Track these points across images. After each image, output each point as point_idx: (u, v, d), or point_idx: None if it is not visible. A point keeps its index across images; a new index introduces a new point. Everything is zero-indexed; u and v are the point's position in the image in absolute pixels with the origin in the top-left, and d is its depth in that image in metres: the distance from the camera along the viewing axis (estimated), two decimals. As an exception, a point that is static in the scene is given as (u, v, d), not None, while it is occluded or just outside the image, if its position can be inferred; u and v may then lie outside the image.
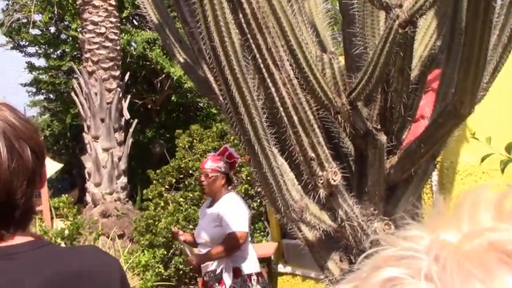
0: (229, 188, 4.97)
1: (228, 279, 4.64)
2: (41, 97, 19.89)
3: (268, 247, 6.45)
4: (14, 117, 1.33)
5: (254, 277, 4.73)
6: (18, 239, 1.34)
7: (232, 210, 4.72)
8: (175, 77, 14.83)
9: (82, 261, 1.38)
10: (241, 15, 2.35)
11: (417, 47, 2.79)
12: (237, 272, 4.68)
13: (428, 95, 3.20)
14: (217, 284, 4.68)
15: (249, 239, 4.96)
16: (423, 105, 3.03)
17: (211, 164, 4.87)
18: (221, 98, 2.55)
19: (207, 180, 4.86)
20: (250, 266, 4.77)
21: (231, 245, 4.62)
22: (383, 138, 2.69)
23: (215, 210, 4.75)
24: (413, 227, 0.59)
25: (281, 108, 2.50)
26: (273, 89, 2.48)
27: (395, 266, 0.54)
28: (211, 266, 4.72)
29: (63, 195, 7.78)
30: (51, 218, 7.87)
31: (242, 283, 4.67)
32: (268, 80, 2.47)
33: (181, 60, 3.35)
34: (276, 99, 2.50)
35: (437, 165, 3.69)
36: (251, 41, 2.41)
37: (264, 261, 6.37)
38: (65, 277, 1.31)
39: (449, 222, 0.56)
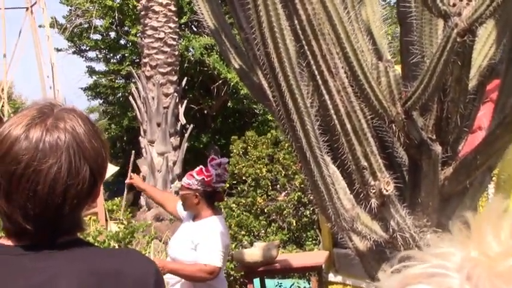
0: (212, 208, 4.50)
1: None
2: (100, 101, 20.28)
3: (319, 256, 6.40)
4: (84, 131, 1.32)
5: None
6: (60, 239, 1.36)
7: (210, 240, 4.30)
8: (232, 83, 14.93)
9: (118, 262, 1.39)
10: (296, 22, 2.34)
11: (476, 56, 2.73)
12: None
13: (486, 106, 3.13)
14: None
15: (222, 272, 4.59)
16: (481, 116, 2.96)
17: (184, 180, 4.52)
18: (274, 105, 2.54)
19: (181, 197, 4.55)
20: None
21: (202, 276, 4.27)
22: (438, 148, 2.64)
23: (195, 230, 4.40)
24: (442, 243, 0.58)
25: (334, 116, 2.48)
26: (326, 97, 2.46)
27: (426, 283, 0.53)
28: None
29: (116, 198, 7.88)
30: (106, 221, 7.99)
31: None
32: (322, 87, 2.45)
33: (236, 66, 3.36)
34: (330, 106, 2.48)
35: (494, 178, 3.60)
36: (306, 47, 2.40)
37: (314, 270, 6.34)
38: (101, 277, 1.32)
39: (479, 239, 0.54)
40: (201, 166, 4.52)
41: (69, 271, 1.30)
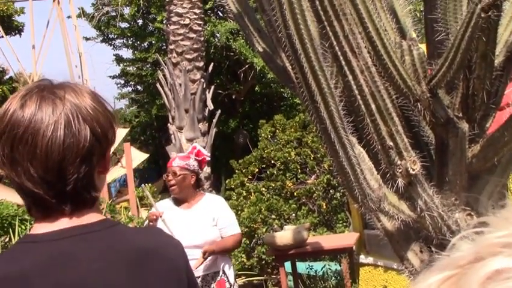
0: (200, 190, 4.68)
1: (232, 276, 4.53)
2: (129, 89, 20.40)
3: (350, 238, 6.40)
4: (85, 102, 1.37)
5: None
6: (90, 217, 1.39)
7: (228, 211, 4.59)
8: (259, 67, 14.89)
9: (152, 238, 1.45)
10: (317, 2, 2.33)
11: (502, 31, 2.69)
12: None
13: (515, 82, 3.09)
14: (221, 283, 4.50)
15: None
16: (509, 93, 2.92)
17: (179, 161, 4.60)
18: (297, 87, 2.54)
19: (175, 179, 4.56)
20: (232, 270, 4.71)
21: (235, 246, 4.57)
22: (464, 126, 2.62)
23: (205, 210, 4.51)
24: None
25: (359, 96, 2.47)
26: (350, 77, 2.45)
27: (507, 255, 0.47)
28: (212, 266, 4.48)
29: (144, 184, 7.92)
30: (137, 208, 8.06)
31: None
32: (346, 68, 2.44)
33: (260, 49, 3.36)
34: (354, 87, 2.47)
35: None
36: (328, 28, 2.39)
37: (345, 252, 6.33)
38: (140, 253, 1.37)
39: None
40: (189, 151, 4.74)
41: (107, 255, 1.35)
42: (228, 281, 4.47)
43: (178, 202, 4.62)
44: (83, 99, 1.37)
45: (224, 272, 4.46)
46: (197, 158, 4.60)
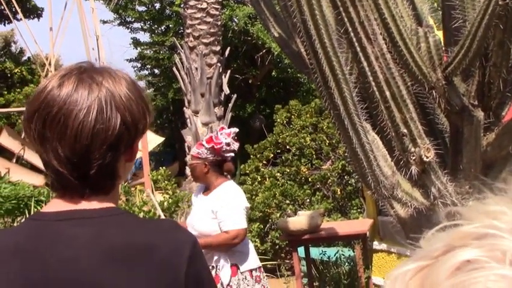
0: (225, 175, 4.52)
1: (225, 277, 4.31)
2: (146, 72, 20.43)
3: (364, 224, 6.39)
4: (121, 90, 1.39)
5: (254, 273, 4.41)
6: (96, 204, 1.39)
7: (229, 204, 4.32)
8: (276, 52, 14.85)
9: (150, 234, 1.40)
10: (333, -12, 2.32)
11: (520, 19, 2.67)
12: (234, 269, 4.35)
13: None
14: None
15: (247, 234, 4.56)
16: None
17: (193, 150, 4.52)
18: (312, 72, 2.53)
19: (190, 167, 4.53)
20: (248, 261, 4.41)
21: (227, 244, 4.27)
22: (479, 114, 2.60)
23: (210, 200, 4.39)
24: (492, 200, 0.53)
25: (373, 83, 2.47)
26: (365, 63, 2.44)
27: (475, 246, 0.48)
28: (208, 260, 4.25)
29: (160, 167, 7.96)
30: (152, 191, 8.11)
31: (240, 281, 4.34)
32: (361, 54, 2.44)
33: (276, 34, 3.36)
34: (368, 73, 2.46)
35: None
36: (343, 14, 2.38)
37: (359, 238, 6.33)
38: (130, 248, 1.35)
39: None
40: (211, 134, 4.54)
41: (97, 240, 1.35)
42: (221, 279, 4.30)
43: (205, 188, 4.55)
44: (119, 87, 1.39)
45: (217, 269, 4.32)
46: (207, 145, 4.42)
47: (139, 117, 1.40)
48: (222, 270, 4.30)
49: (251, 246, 4.54)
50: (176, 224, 1.55)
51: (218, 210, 4.29)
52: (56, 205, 1.40)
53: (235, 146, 4.51)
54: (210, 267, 4.26)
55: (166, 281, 1.37)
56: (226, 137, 4.42)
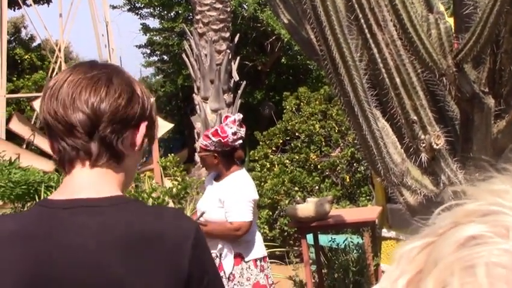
0: (233, 164, 4.45)
1: (228, 266, 4.30)
2: (155, 58, 20.42)
3: (373, 211, 6.39)
4: (124, 74, 1.50)
5: (258, 263, 4.38)
6: (107, 190, 1.42)
7: (236, 195, 4.28)
8: (286, 39, 14.82)
9: (156, 222, 1.42)
10: (343, -26, 2.31)
11: (532, 6, 2.65)
12: (238, 258, 4.33)
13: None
14: None
15: (255, 224, 4.50)
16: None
17: (201, 141, 4.49)
18: (322, 59, 2.52)
19: (200, 157, 4.51)
20: (254, 251, 4.39)
21: (229, 235, 4.26)
22: (490, 101, 2.59)
23: (220, 188, 4.37)
24: (497, 180, 0.55)
25: (383, 70, 2.46)
26: (375, 50, 2.43)
27: (479, 222, 0.50)
28: (212, 247, 4.19)
29: (169, 154, 7.97)
30: (161, 177, 8.12)
31: (243, 270, 4.33)
32: (371, 41, 2.43)
33: (285, 21, 3.34)
34: (378, 60, 2.45)
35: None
36: (354, 0, 2.37)
37: (367, 225, 6.33)
38: (137, 236, 1.38)
39: None
40: (216, 128, 4.52)
41: (104, 232, 1.37)
42: (223, 268, 4.28)
43: (217, 174, 4.53)
44: (124, 74, 1.50)
45: (220, 257, 4.31)
46: (213, 137, 4.38)
47: (145, 102, 1.49)
48: (225, 259, 4.30)
49: (258, 235, 4.51)
50: (180, 212, 1.63)
51: (225, 199, 4.28)
52: (64, 193, 1.43)
53: (242, 132, 4.48)
54: (214, 255, 4.29)
55: (172, 267, 1.39)
56: (232, 125, 4.39)
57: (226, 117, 4.54)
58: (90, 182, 1.42)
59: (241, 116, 4.54)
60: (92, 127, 1.40)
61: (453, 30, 2.67)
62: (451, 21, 2.82)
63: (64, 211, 1.38)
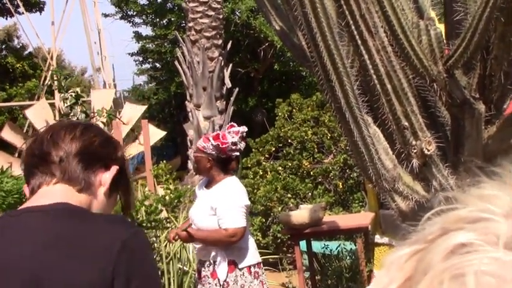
0: (225, 173, 4.43)
1: (222, 273, 4.27)
2: (148, 66, 20.44)
3: (365, 217, 6.39)
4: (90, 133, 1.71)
5: (252, 269, 4.35)
6: (50, 197, 1.60)
7: (228, 201, 4.26)
8: (278, 46, 14.86)
9: (81, 226, 1.56)
10: (334, -19, 2.32)
11: (521, 12, 2.66)
12: (232, 266, 4.30)
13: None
14: (209, 276, 4.31)
15: (248, 230, 4.49)
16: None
17: (199, 142, 4.45)
18: (313, 65, 2.53)
19: (194, 159, 4.49)
20: (247, 258, 4.35)
21: (224, 241, 4.24)
22: (481, 107, 2.60)
23: (211, 195, 4.35)
24: (487, 185, 0.54)
25: (374, 76, 2.46)
26: (366, 56, 2.44)
27: (469, 230, 0.49)
28: (206, 255, 4.35)
29: (161, 162, 7.96)
30: (154, 185, 8.10)
31: (237, 277, 4.30)
32: (362, 47, 2.43)
33: (277, 27, 3.35)
34: (369, 66, 2.46)
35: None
36: (344, 7, 2.38)
37: (360, 231, 6.34)
38: (71, 236, 1.53)
39: None
40: (219, 132, 4.52)
41: (41, 230, 1.54)
42: (217, 276, 4.27)
43: (208, 181, 4.51)
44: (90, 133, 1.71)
45: (214, 265, 4.30)
46: (213, 142, 4.34)
47: (108, 153, 1.70)
48: (219, 266, 4.28)
49: (251, 241, 4.49)
50: (117, 218, 1.76)
51: (217, 206, 4.26)
52: (31, 202, 1.63)
53: (242, 145, 4.46)
54: (207, 263, 4.31)
55: (97, 268, 1.50)
56: (234, 135, 4.37)
57: (231, 125, 4.52)
58: (45, 195, 1.60)
59: (246, 129, 4.52)
60: (65, 155, 1.61)
61: (443, 37, 2.69)
62: (441, 27, 2.83)
63: (19, 216, 1.59)
